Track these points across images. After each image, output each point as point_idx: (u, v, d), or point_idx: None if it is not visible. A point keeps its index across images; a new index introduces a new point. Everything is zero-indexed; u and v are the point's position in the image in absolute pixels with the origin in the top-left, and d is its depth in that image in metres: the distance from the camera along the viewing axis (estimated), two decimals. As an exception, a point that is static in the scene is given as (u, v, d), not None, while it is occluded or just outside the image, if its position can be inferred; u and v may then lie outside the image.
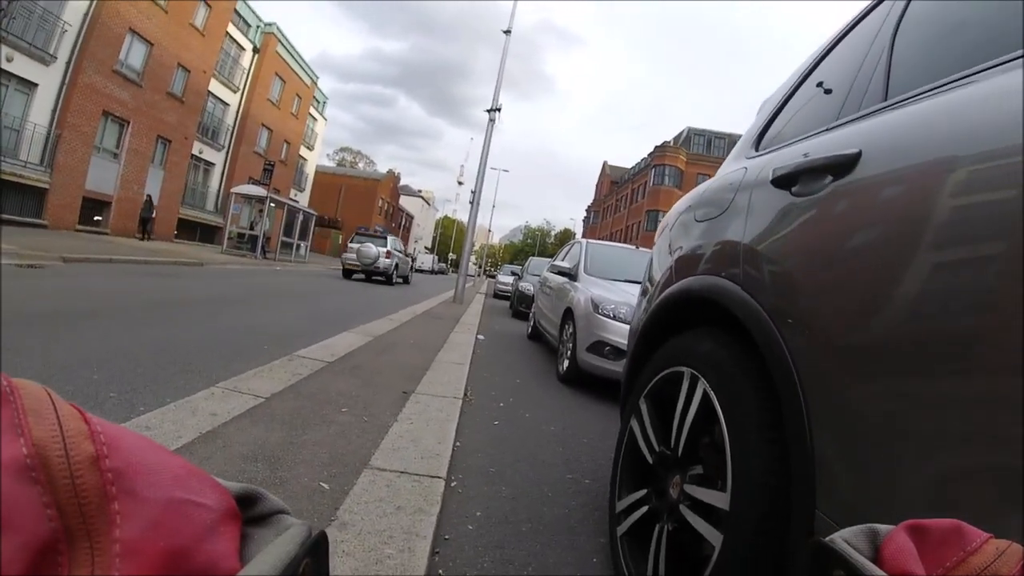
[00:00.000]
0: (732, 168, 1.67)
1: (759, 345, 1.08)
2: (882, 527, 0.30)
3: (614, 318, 4.30)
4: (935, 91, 0.93)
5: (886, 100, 1.12)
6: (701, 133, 43.57)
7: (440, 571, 1.55)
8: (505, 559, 1.70)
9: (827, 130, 1.25)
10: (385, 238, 16.18)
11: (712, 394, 1.21)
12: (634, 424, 1.60)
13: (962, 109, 0.84)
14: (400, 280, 17.45)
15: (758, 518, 0.99)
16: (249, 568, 0.22)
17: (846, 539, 0.30)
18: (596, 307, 4.40)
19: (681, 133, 44.58)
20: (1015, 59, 0.79)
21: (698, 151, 41.85)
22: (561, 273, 5.75)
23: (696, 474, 1.26)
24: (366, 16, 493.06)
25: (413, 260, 21.80)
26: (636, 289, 5.03)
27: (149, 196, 17.93)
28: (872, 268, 0.88)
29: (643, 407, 1.56)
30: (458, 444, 2.62)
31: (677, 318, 1.57)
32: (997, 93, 0.78)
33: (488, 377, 4.45)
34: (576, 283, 5.26)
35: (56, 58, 14.90)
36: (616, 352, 4.18)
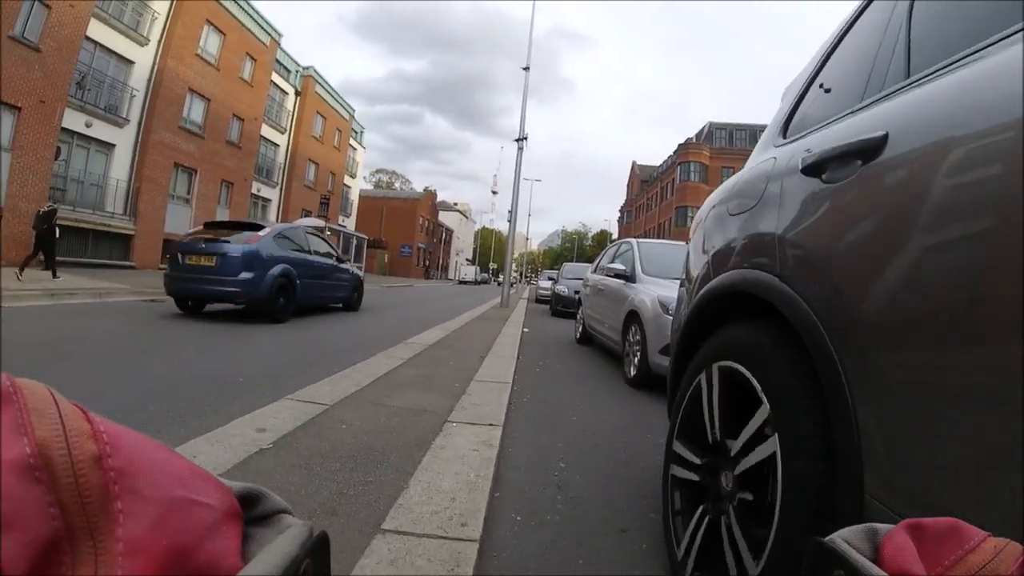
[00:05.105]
0: (761, 158, 1.60)
1: (800, 332, 1.06)
2: (882, 526, 0.30)
3: None
4: (955, 65, 0.91)
5: (909, 77, 1.07)
6: (723, 127, 43.39)
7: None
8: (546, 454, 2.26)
9: (853, 113, 1.20)
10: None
11: (759, 388, 1.16)
12: (703, 384, 1.45)
13: (981, 82, 0.82)
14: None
15: (807, 479, 0.97)
16: (250, 567, 0.23)
17: (846, 539, 0.30)
18: (665, 309, 4.24)
19: (703, 129, 44.43)
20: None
21: (721, 145, 41.67)
22: (617, 276, 5.60)
23: (745, 470, 1.18)
24: (382, 39, 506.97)
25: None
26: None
27: (39, 211, 10.33)
28: (903, 249, 0.86)
29: (712, 376, 1.40)
30: (516, 377, 4.12)
31: (719, 311, 1.50)
32: (1013, 63, 0.75)
33: (532, 350, 6.18)
34: (635, 285, 5.15)
35: (129, 120, 16.73)
36: None
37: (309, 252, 8.28)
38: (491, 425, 2.56)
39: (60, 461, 0.20)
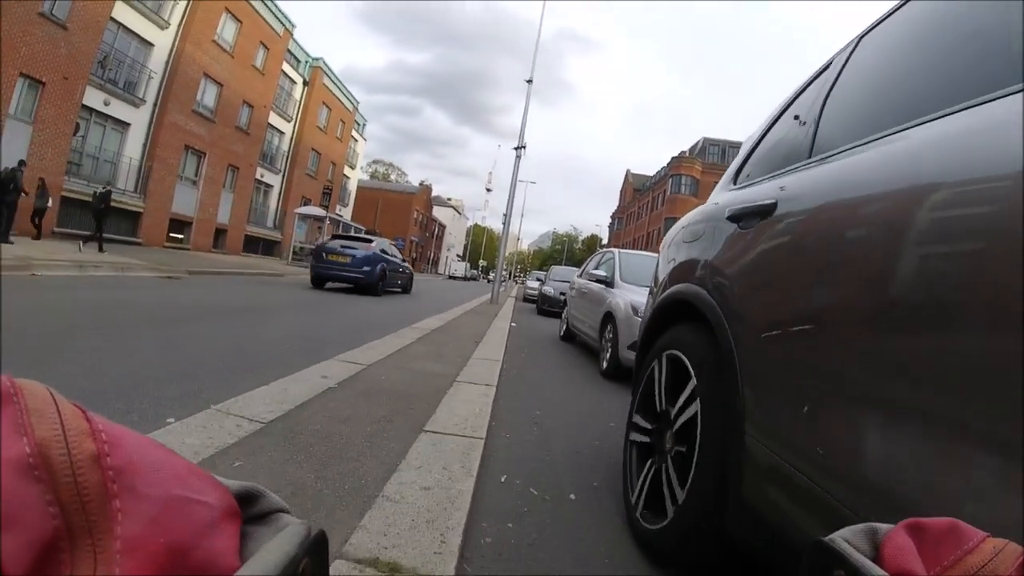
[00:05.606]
0: (713, 200, 2.00)
1: (713, 329, 1.43)
2: (882, 526, 0.30)
3: None
4: (829, 157, 1.23)
5: (810, 157, 1.38)
6: (716, 143, 45.01)
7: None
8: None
9: (768, 179, 1.55)
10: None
11: (690, 368, 1.58)
12: (656, 369, 1.92)
13: (839, 173, 1.14)
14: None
15: (715, 428, 1.38)
16: (248, 566, 0.23)
17: (846, 538, 0.30)
18: (635, 311, 4.87)
19: (697, 144, 46.00)
20: (873, 140, 1.07)
21: (713, 160, 43.15)
22: (598, 281, 6.32)
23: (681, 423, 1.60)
24: (389, 30, 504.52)
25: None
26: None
27: (42, 179, 12.21)
28: (771, 280, 1.25)
29: (663, 361, 1.86)
30: (504, 358, 4.73)
31: (672, 313, 1.91)
32: (872, 159, 1.05)
33: (518, 341, 6.90)
34: (613, 290, 5.82)
35: (145, 101, 17.39)
36: None
37: (390, 255, 13.11)
38: (488, 385, 3.48)
39: (59, 460, 0.20)
